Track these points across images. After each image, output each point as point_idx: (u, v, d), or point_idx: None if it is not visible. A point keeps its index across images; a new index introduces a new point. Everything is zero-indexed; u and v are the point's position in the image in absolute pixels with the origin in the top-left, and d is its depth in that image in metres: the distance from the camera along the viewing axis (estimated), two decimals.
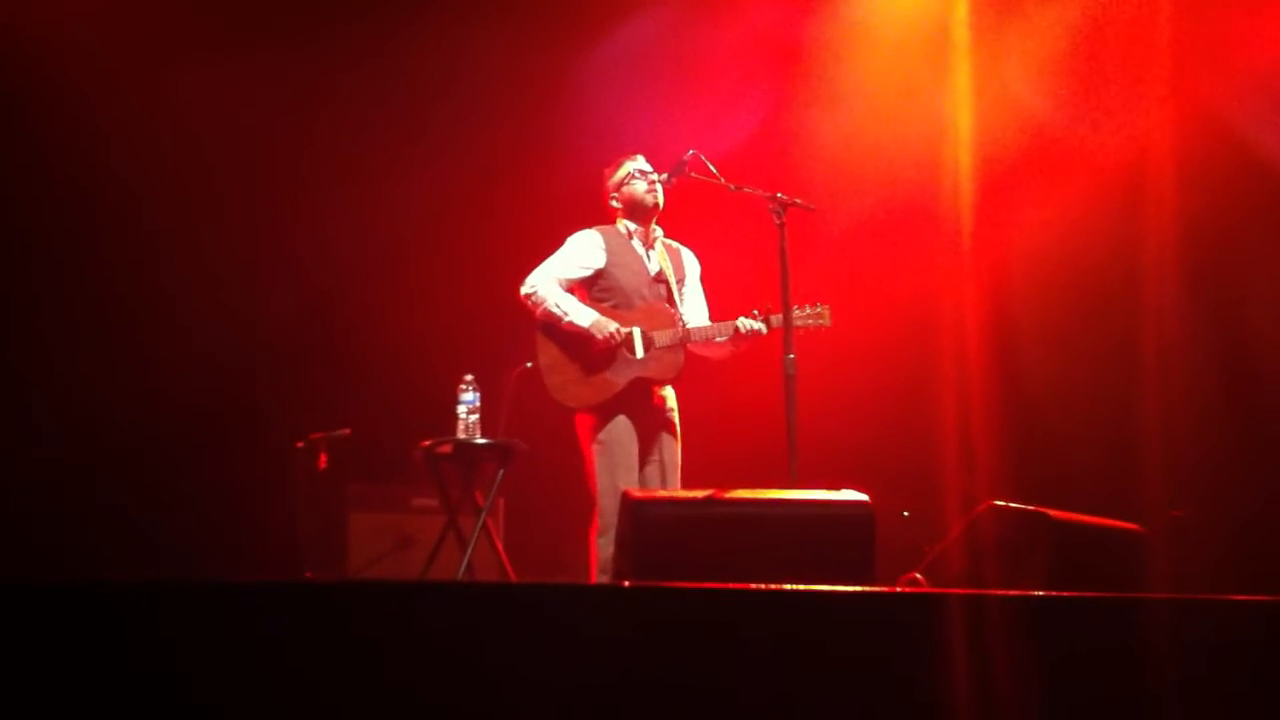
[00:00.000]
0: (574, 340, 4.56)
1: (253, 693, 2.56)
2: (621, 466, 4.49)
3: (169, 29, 5.81)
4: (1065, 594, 3.10)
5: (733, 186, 4.50)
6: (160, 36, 5.78)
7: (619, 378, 4.54)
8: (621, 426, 4.53)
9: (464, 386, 5.02)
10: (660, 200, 4.69)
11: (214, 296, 5.97)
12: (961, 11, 5.87)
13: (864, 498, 3.65)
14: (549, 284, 4.58)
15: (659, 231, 4.76)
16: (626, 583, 3.50)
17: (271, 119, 6.01)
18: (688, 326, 4.62)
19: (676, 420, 4.64)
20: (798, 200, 4.38)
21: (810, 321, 4.49)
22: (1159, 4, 5.69)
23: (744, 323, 4.52)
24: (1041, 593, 3.21)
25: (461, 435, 4.99)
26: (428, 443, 5.02)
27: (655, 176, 4.67)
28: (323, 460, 5.51)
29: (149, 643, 2.57)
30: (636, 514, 3.58)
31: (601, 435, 4.52)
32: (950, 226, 5.89)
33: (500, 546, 5.15)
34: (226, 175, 6.00)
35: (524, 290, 4.61)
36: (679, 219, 4.87)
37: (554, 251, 4.70)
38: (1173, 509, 5.26)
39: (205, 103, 5.86)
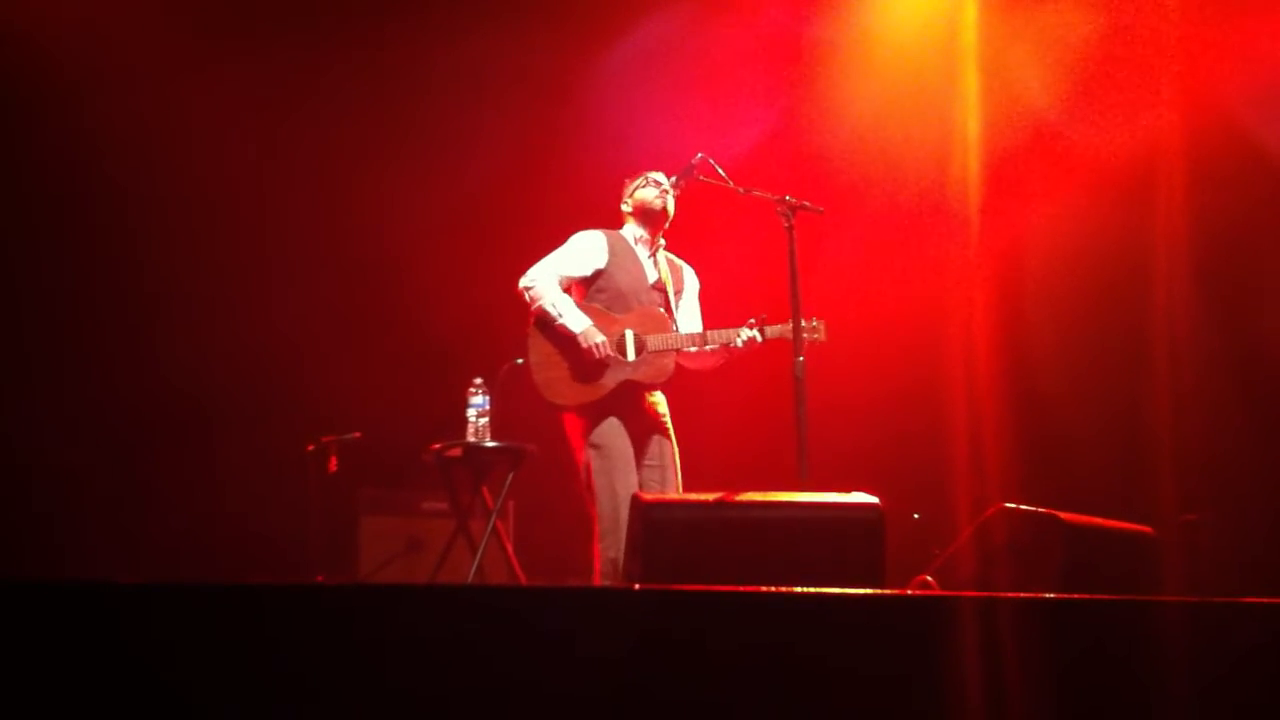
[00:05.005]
0: (567, 339, 4.54)
1: (262, 695, 2.56)
2: (619, 469, 4.44)
3: (181, 29, 5.83)
4: (1077, 596, 3.09)
5: (741, 189, 4.49)
6: (171, 37, 5.81)
7: (609, 379, 4.50)
8: (614, 428, 4.48)
9: (473, 390, 5.03)
10: (670, 207, 4.66)
11: (224, 299, 6.00)
12: (970, 13, 5.86)
13: (874, 500, 3.65)
14: (548, 281, 4.56)
15: (661, 243, 4.75)
16: (637, 585, 3.50)
17: (282, 121, 6.02)
18: (682, 333, 4.59)
19: (669, 423, 4.61)
20: (806, 203, 4.37)
21: (805, 336, 4.43)
22: (1168, 3, 5.67)
23: (744, 333, 4.49)
24: (1053, 595, 3.20)
25: (471, 438, 5.00)
26: (438, 446, 5.03)
27: (669, 191, 4.65)
28: (333, 463, 5.52)
29: (157, 645, 2.57)
30: (647, 517, 3.57)
31: (594, 438, 4.47)
32: (959, 228, 5.88)
33: (510, 549, 5.16)
34: (237, 177, 6.02)
35: (523, 283, 4.58)
36: (688, 222, 4.86)
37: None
38: (1186, 512, 5.24)
39: (215, 103, 5.88)
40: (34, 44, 5.66)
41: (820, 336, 4.46)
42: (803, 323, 4.43)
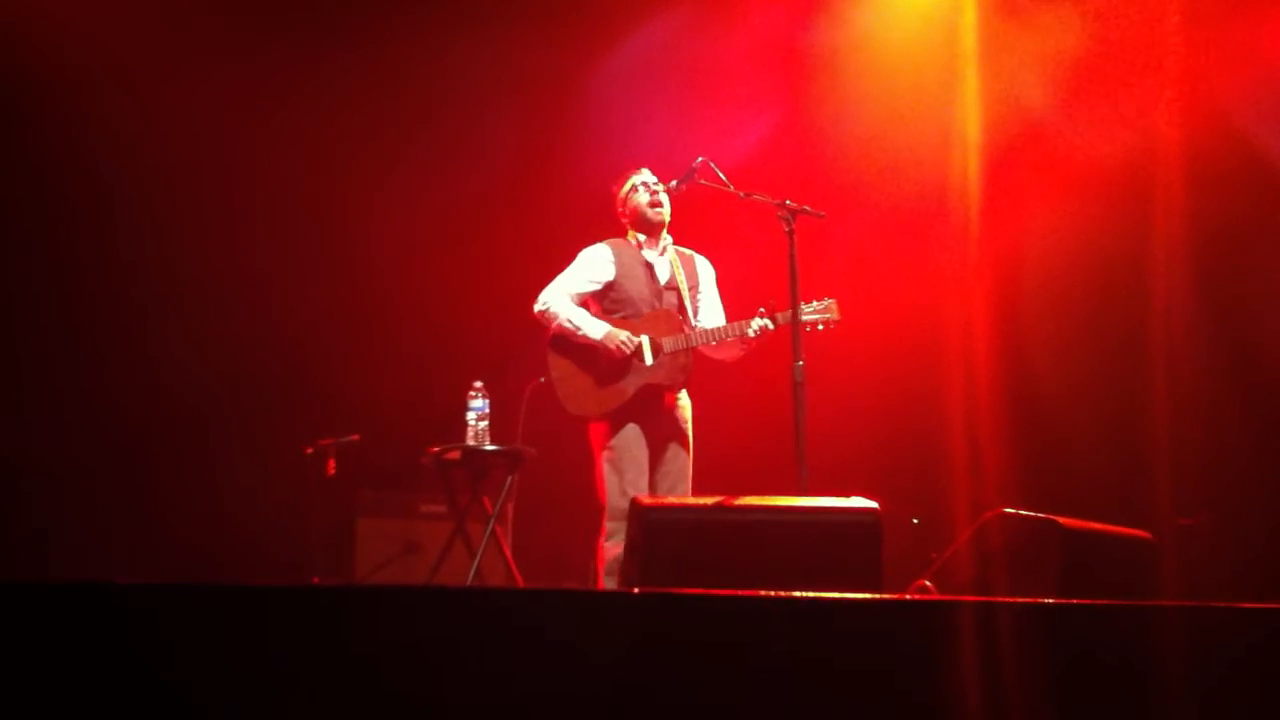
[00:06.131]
0: (586, 352, 4.61)
1: (258, 696, 2.56)
2: (629, 471, 4.53)
3: (181, 28, 5.84)
4: (1075, 601, 3.08)
5: (742, 193, 4.49)
6: (170, 36, 5.81)
7: (629, 386, 4.58)
8: (631, 433, 4.56)
9: (473, 393, 5.04)
10: (665, 215, 4.71)
11: (223, 300, 5.99)
12: (969, 16, 5.87)
13: (872, 505, 3.64)
14: (561, 299, 4.64)
15: (668, 240, 4.77)
16: (635, 589, 3.50)
17: (280, 122, 6.03)
18: (695, 329, 4.64)
19: (689, 428, 4.66)
20: (806, 207, 4.37)
21: (819, 317, 4.49)
22: (1167, 5, 5.68)
23: (755, 324, 4.53)
24: (1051, 600, 3.20)
25: (470, 442, 5.01)
26: (436, 449, 5.04)
27: (658, 189, 4.68)
28: (331, 466, 5.53)
29: (153, 645, 2.57)
30: (645, 520, 3.57)
31: (612, 442, 4.56)
32: (958, 231, 5.88)
33: (508, 552, 5.16)
34: (235, 179, 6.02)
35: (538, 307, 4.66)
36: (688, 226, 4.87)
37: (565, 262, 4.73)
38: (1183, 516, 5.25)
39: (213, 103, 5.89)
40: (29, 44, 5.66)
41: (834, 316, 4.52)
42: (814, 303, 4.50)
